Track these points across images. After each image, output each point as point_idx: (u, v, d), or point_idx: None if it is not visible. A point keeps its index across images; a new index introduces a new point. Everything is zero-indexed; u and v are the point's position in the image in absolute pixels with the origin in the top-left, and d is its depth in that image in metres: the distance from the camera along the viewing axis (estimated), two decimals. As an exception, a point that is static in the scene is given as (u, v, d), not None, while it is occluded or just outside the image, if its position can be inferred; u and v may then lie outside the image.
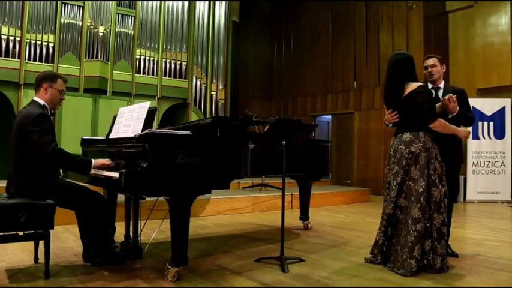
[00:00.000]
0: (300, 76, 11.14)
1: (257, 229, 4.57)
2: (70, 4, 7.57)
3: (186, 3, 8.85)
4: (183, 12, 8.80)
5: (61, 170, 2.98)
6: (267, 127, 3.00)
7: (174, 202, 2.53)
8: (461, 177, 7.70)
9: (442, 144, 2.96)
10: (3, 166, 4.16)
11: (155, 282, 2.52)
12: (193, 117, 8.67)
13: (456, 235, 4.08)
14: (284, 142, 2.96)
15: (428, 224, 2.77)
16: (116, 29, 8.00)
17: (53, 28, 7.36)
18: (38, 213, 2.47)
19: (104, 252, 2.79)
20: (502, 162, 7.84)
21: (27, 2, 7.07)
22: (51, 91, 2.77)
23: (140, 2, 8.26)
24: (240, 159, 2.82)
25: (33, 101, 2.75)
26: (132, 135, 2.66)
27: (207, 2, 9.20)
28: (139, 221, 3.02)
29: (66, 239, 3.72)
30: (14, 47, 6.98)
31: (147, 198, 2.77)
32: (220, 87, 9.29)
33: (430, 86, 3.36)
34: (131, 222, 3.13)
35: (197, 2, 9.05)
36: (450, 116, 3.07)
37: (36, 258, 2.84)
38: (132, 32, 8.21)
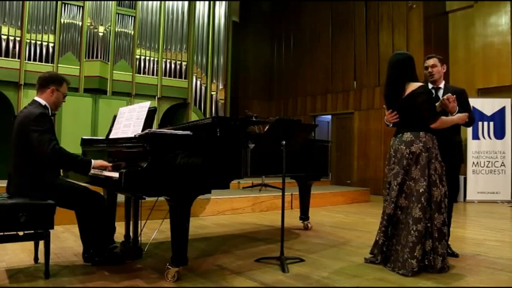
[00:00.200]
0: (300, 76, 11.14)
1: (257, 229, 4.57)
2: (70, 4, 7.57)
3: (186, 3, 8.85)
4: (183, 12, 8.80)
5: (61, 170, 2.98)
6: (267, 127, 3.00)
7: (174, 202, 2.53)
8: (461, 177, 7.70)
9: (442, 145, 2.96)
10: (3, 166, 4.17)
11: (155, 282, 2.52)
12: (193, 117, 8.67)
13: (456, 235, 4.08)
14: (284, 142, 2.96)
15: (429, 224, 2.77)
16: (116, 29, 8.00)
17: (53, 28, 7.36)
18: (38, 213, 2.47)
19: (104, 252, 2.79)
20: (502, 162, 7.84)
21: (27, 2, 7.07)
22: (57, 94, 2.80)
23: (140, 2, 8.26)
24: (240, 159, 2.82)
25: (35, 101, 2.75)
26: (132, 135, 2.66)
27: (207, 2, 9.20)
28: (139, 221, 3.02)
29: (66, 239, 3.72)
30: (14, 47, 6.98)
31: (147, 198, 2.77)
32: (220, 87, 9.29)
33: (430, 86, 3.37)
34: (131, 222, 3.13)
35: (197, 2, 9.05)
36: (450, 116, 3.07)
37: (36, 258, 2.83)
38: (132, 32, 8.21)
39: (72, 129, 7.12)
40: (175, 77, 8.66)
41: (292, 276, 2.69)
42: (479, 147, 7.93)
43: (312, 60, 10.77)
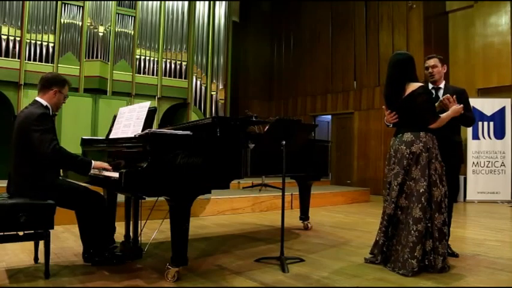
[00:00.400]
0: (300, 76, 11.14)
1: (257, 229, 4.57)
2: (70, 4, 7.57)
3: (186, 3, 8.85)
4: (183, 12, 8.80)
5: (61, 170, 2.98)
6: (267, 127, 3.00)
7: (174, 202, 2.53)
8: (461, 177, 7.71)
9: (442, 145, 2.96)
10: (3, 166, 4.17)
11: (155, 282, 2.52)
12: (193, 117, 8.67)
13: (456, 235, 4.08)
14: (284, 142, 2.96)
15: (429, 224, 2.77)
16: (116, 29, 8.00)
17: (53, 28, 7.36)
18: (38, 213, 2.47)
19: (104, 252, 2.79)
20: (502, 162, 7.84)
21: (27, 2, 7.07)
22: (59, 96, 2.81)
23: (140, 2, 8.26)
24: (240, 159, 2.82)
25: (36, 101, 2.75)
26: (132, 135, 2.66)
27: (207, 2, 9.20)
28: (139, 221, 3.02)
29: (66, 239, 3.72)
30: (14, 47, 6.98)
31: (147, 198, 2.77)
32: (220, 87, 9.29)
33: (430, 86, 3.37)
34: (131, 222, 3.13)
35: (197, 2, 9.05)
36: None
37: (36, 258, 2.84)
38: (132, 32, 8.21)
39: (72, 129, 7.12)
40: (175, 77, 8.66)
41: (292, 276, 2.69)
42: (479, 147, 7.93)
43: (312, 60, 10.77)
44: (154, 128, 2.95)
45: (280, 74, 11.75)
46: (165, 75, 8.53)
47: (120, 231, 3.26)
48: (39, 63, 7.13)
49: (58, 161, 2.62)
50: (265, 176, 6.31)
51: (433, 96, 3.26)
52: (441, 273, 2.72)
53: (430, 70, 3.35)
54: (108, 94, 7.82)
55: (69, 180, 2.92)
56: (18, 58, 6.99)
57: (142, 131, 2.67)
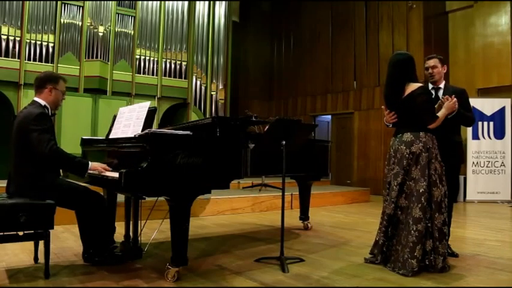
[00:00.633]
0: (300, 76, 11.13)
1: (257, 229, 4.57)
2: (70, 4, 7.57)
3: (186, 3, 8.85)
4: (183, 12, 8.80)
5: (61, 170, 2.98)
6: (267, 127, 3.00)
7: (174, 202, 2.53)
8: (461, 177, 7.70)
9: (442, 145, 2.96)
10: (3, 166, 4.16)
11: (155, 282, 2.52)
12: (193, 117, 8.67)
13: (456, 235, 4.08)
14: (284, 142, 2.96)
15: (429, 224, 2.77)
16: (116, 29, 8.00)
17: (52, 28, 7.36)
18: (38, 213, 2.47)
19: (104, 252, 2.79)
20: (502, 162, 7.84)
21: (27, 2, 7.07)
22: (56, 93, 2.79)
23: (140, 2, 8.26)
24: (240, 159, 2.82)
25: (34, 102, 2.76)
26: (132, 135, 2.66)
27: (207, 2, 9.20)
28: (139, 221, 3.03)
29: (66, 239, 3.72)
30: (14, 47, 6.98)
31: (147, 198, 2.77)
32: (220, 87, 9.29)
33: (430, 86, 3.37)
34: (131, 222, 3.13)
35: (197, 2, 9.04)
36: (449, 116, 3.07)
37: (36, 258, 2.83)
38: (132, 32, 8.21)
39: (72, 129, 7.12)
40: (175, 77, 8.66)
41: (292, 276, 2.69)
42: (479, 147, 7.93)
43: (312, 60, 10.77)
44: (154, 128, 2.95)
45: (280, 74, 11.75)
46: (165, 75, 8.53)
47: (120, 231, 3.26)
48: (39, 63, 7.13)
49: (55, 161, 2.62)
50: (265, 176, 6.31)
51: (433, 96, 3.26)
52: (441, 273, 2.72)
53: (430, 71, 3.35)
54: (108, 94, 7.82)
55: (69, 180, 2.92)
56: (18, 58, 6.99)
57: (142, 131, 2.67)
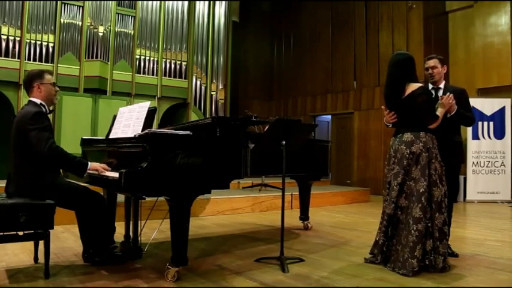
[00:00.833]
0: (300, 76, 11.14)
1: (257, 229, 4.57)
2: (70, 4, 7.57)
3: (186, 3, 8.85)
4: (183, 12, 8.80)
5: (61, 170, 2.98)
6: (267, 127, 3.00)
7: (174, 202, 2.53)
8: (461, 177, 7.70)
9: (442, 145, 2.96)
10: (3, 166, 4.16)
11: (155, 282, 2.52)
12: (193, 117, 8.67)
13: (456, 235, 4.08)
14: (284, 142, 2.96)
15: (429, 224, 2.77)
16: (116, 29, 8.00)
17: (52, 28, 7.36)
18: (38, 213, 2.47)
19: (104, 252, 2.79)
20: (502, 162, 7.84)
21: (27, 2, 7.07)
22: (45, 87, 2.77)
23: (140, 1, 8.26)
24: (240, 159, 2.82)
25: (30, 101, 2.76)
26: (132, 135, 2.66)
27: (207, 2, 9.20)
28: (139, 221, 3.02)
29: (66, 239, 3.72)
30: (14, 47, 6.98)
31: (147, 198, 2.77)
32: (220, 87, 9.29)
33: (430, 86, 3.36)
34: (131, 222, 3.13)
35: (197, 2, 9.04)
36: (449, 115, 3.07)
37: (36, 258, 2.83)
38: (132, 32, 8.21)
39: (72, 129, 7.12)
40: (175, 77, 8.66)
41: (292, 276, 2.69)
42: (479, 147, 7.93)
43: (312, 60, 10.77)
44: (154, 128, 2.95)
45: (280, 74, 11.75)
46: (165, 75, 8.53)
47: (120, 231, 3.26)
48: (39, 63, 7.12)
49: (55, 160, 2.62)
50: (265, 176, 6.31)
51: (433, 96, 3.26)
52: (442, 272, 2.73)
53: (430, 71, 3.34)
54: (108, 94, 7.82)
55: (69, 180, 2.92)
56: (18, 58, 6.99)
57: (142, 131, 2.67)
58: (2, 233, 2.43)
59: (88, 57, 7.64)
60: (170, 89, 8.57)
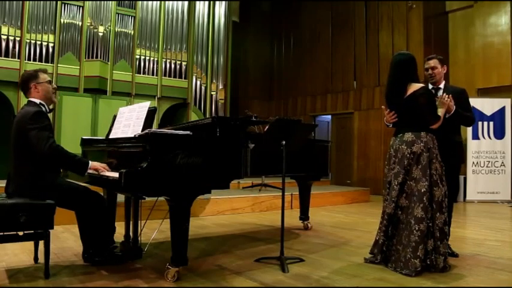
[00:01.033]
0: (300, 76, 11.13)
1: (257, 229, 4.57)
2: (70, 4, 7.57)
3: (186, 3, 8.85)
4: (183, 12, 8.80)
5: (61, 170, 2.98)
6: (267, 127, 3.00)
7: (174, 202, 2.53)
8: (461, 177, 7.70)
9: (442, 145, 2.96)
10: (3, 166, 4.16)
11: (155, 282, 2.52)
12: (193, 117, 8.67)
13: (456, 235, 4.08)
14: (284, 142, 2.96)
15: (430, 224, 2.77)
16: (116, 29, 8.00)
17: (52, 28, 7.36)
18: (38, 213, 2.47)
19: (104, 252, 2.79)
20: (502, 162, 7.84)
21: (27, 2, 7.07)
22: (42, 87, 2.77)
23: (140, 1, 8.26)
24: (240, 159, 2.82)
25: (29, 101, 2.76)
26: (132, 135, 2.66)
27: (207, 2, 9.20)
28: (139, 221, 3.02)
29: (66, 239, 3.72)
30: (14, 47, 6.98)
31: (147, 198, 2.77)
32: (220, 87, 9.29)
33: (430, 86, 3.36)
34: (131, 222, 3.13)
35: (197, 2, 9.04)
36: (447, 115, 3.07)
37: (36, 258, 2.83)
38: (132, 32, 8.21)
39: (72, 129, 7.12)
40: (175, 77, 8.66)
41: (292, 276, 2.69)
42: (479, 147, 7.93)
43: (312, 60, 10.77)
44: (154, 128, 2.95)
45: (280, 74, 11.75)
46: (165, 75, 8.53)
47: (120, 231, 3.26)
48: (39, 63, 7.12)
49: (55, 159, 2.62)
50: (265, 176, 6.31)
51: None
52: (442, 272, 2.73)
53: (430, 71, 3.34)
54: (108, 94, 7.82)
55: (69, 180, 2.92)
56: (18, 58, 6.99)
57: (142, 131, 2.67)
58: (2, 233, 2.43)
59: (88, 57, 7.64)
60: (170, 89, 8.58)
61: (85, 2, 7.65)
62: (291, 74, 11.38)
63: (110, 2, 7.88)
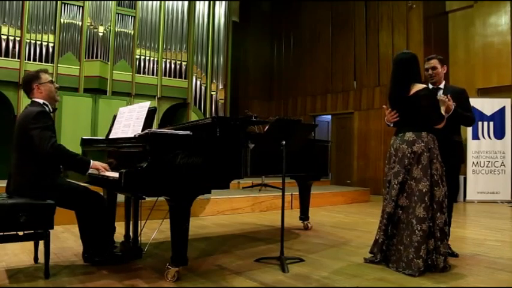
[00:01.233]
0: (300, 76, 11.14)
1: (257, 229, 4.57)
2: (70, 4, 7.57)
3: (186, 3, 8.85)
4: (183, 12, 8.80)
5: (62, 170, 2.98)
6: (267, 127, 3.00)
7: (174, 202, 2.53)
8: (461, 177, 7.70)
9: (442, 145, 2.96)
10: (3, 166, 4.16)
11: (155, 282, 2.52)
12: (193, 117, 8.67)
13: (456, 235, 4.08)
14: (284, 142, 2.96)
15: (431, 224, 2.77)
16: (116, 29, 8.00)
17: (52, 28, 7.36)
18: (38, 213, 2.47)
19: (104, 252, 2.79)
20: (502, 162, 7.84)
21: (27, 1, 7.07)
22: (44, 87, 2.78)
23: (140, 1, 8.26)
24: (240, 159, 2.82)
25: (33, 102, 2.77)
26: (132, 135, 2.66)
27: (207, 2, 9.20)
28: (139, 221, 3.02)
29: (66, 239, 3.72)
30: (14, 47, 6.99)
31: (147, 198, 2.77)
32: (220, 87, 9.29)
33: (430, 86, 3.36)
34: (131, 222, 3.13)
35: (197, 2, 9.05)
36: (447, 115, 3.07)
37: (36, 258, 2.83)
38: (132, 32, 8.21)
39: (72, 129, 7.12)
40: (175, 77, 8.66)
41: (292, 276, 2.69)
42: (479, 147, 7.93)
43: (312, 60, 10.77)
44: (154, 128, 2.95)
45: (280, 74, 11.75)
46: (165, 75, 8.53)
47: (120, 231, 3.26)
48: (39, 63, 7.12)
49: (57, 158, 2.62)
50: (265, 176, 6.31)
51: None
52: (442, 272, 2.73)
53: (430, 72, 3.35)
54: (108, 94, 7.82)
55: (69, 180, 2.92)
56: (18, 58, 7.00)
57: (142, 131, 2.67)
58: (2, 233, 2.43)
59: (88, 57, 7.64)
60: (170, 89, 8.58)
61: (85, 2, 7.65)
62: (291, 74, 11.38)
63: (110, 2, 7.88)
